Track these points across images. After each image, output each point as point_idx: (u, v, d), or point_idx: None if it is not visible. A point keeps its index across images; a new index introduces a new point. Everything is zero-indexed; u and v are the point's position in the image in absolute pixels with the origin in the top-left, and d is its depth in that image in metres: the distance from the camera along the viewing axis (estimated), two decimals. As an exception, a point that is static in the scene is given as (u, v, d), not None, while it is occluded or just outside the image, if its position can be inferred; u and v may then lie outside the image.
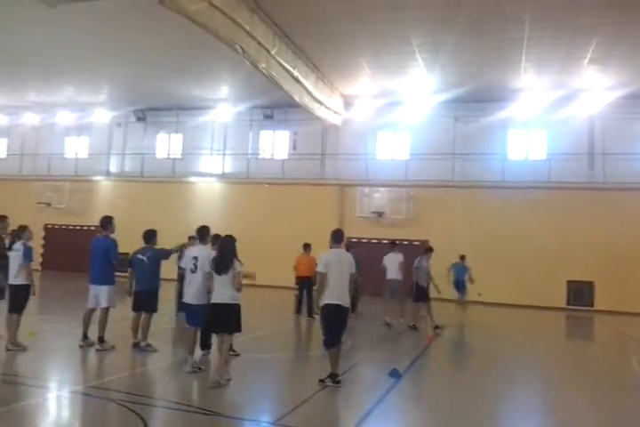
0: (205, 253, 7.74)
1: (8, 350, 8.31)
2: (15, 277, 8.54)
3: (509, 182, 19.98)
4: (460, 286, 16.43)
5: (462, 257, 16.71)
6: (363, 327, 12.67)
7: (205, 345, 8.63)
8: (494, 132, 20.73)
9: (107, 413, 6.03)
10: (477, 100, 20.11)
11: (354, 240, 19.48)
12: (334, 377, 7.22)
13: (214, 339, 7.80)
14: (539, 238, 19.47)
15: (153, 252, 9.14)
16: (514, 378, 8.49)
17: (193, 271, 7.77)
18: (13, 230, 9.00)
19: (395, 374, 7.81)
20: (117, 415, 5.88)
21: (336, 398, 6.98)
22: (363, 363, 9.03)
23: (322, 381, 7.21)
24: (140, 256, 9.07)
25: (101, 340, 8.77)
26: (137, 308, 9.09)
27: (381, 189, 21.65)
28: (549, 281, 19.18)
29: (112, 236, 9.11)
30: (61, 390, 6.74)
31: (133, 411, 5.75)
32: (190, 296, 7.76)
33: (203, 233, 8.20)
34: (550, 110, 19.86)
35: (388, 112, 21.52)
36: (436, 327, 12.72)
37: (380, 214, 21.31)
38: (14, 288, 8.55)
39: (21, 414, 5.69)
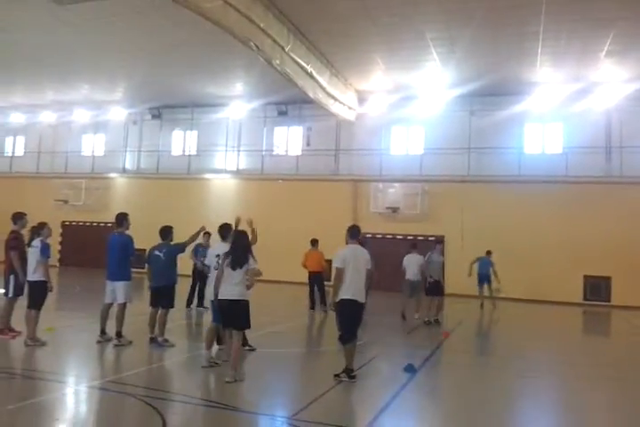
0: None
1: (27, 345, 8.44)
2: (33, 273, 8.69)
3: (525, 177, 19.85)
4: (484, 280, 16.45)
5: (489, 252, 16.80)
6: (378, 322, 12.68)
7: (221, 340, 8.70)
8: (510, 126, 20.56)
9: (124, 407, 6.11)
10: (493, 93, 19.96)
11: (367, 236, 19.48)
12: (349, 372, 7.24)
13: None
14: (555, 233, 19.32)
15: (169, 248, 9.21)
16: (529, 374, 8.44)
17: (217, 269, 7.69)
18: (33, 227, 9.14)
19: (410, 369, 7.83)
20: (135, 410, 5.94)
21: (352, 393, 7.00)
22: (378, 358, 9.03)
23: (337, 376, 7.24)
24: (156, 252, 9.17)
25: (119, 335, 8.85)
26: (154, 303, 9.19)
27: (396, 184, 21.57)
28: (566, 276, 19.04)
29: (127, 232, 9.19)
30: (80, 384, 6.83)
31: (151, 405, 5.82)
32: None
33: (225, 231, 8.27)
34: (567, 104, 19.67)
35: (402, 107, 21.43)
36: (428, 322, 12.84)
37: (394, 210, 21.27)
38: (32, 284, 8.70)
39: (41, 409, 5.77)
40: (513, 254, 19.37)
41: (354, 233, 7.61)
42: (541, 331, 13.51)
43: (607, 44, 15.34)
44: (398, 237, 20.86)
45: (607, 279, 19.02)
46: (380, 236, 21.25)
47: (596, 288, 19.13)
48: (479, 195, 20.33)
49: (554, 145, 20.44)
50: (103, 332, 9.04)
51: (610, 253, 18.73)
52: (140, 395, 6.19)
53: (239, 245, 7.26)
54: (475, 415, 6.25)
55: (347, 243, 7.61)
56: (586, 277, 19.20)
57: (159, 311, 9.10)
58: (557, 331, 13.90)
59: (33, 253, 8.72)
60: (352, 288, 7.21)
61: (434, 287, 13.05)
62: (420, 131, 21.91)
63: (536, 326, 14.57)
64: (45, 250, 8.69)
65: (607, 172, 19.35)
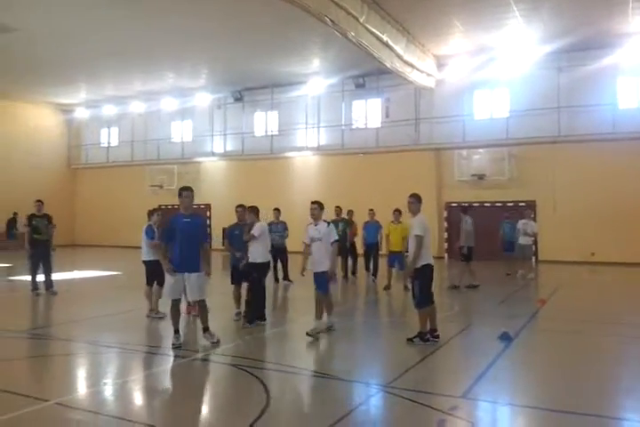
0: (327, 228, 8.22)
1: (148, 316, 9.37)
2: (144, 254, 9.56)
3: (621, 133, 18.62)
4: (509, 246, 15.56)
5: (507, 216, 16.08)
6: (471, 291, 12.57)
7: (261, 317, 8.95)
8: (602, 81, 19.31)
9: (228, 377, 6.46)
10: (582, 48, 18.78)
11: (453, 205, 19.26)
12: (423, 335, 7.51)
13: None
14: (657, 192, 18.11)
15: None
16: (630, 340, 8.10)
17: (314, 241, 8.35)
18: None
19: (506, 337, 7.72)
20: (238, 379, 6.25)
21: (446, 362, 7.05)
22: (472, 327, 8.98)
23: (410, 340, 7.50)
24: (236, 232, 9.33)
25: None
26: (235, 280, 9.44)
27: (480, 150, 20.98)
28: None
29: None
30: (187, 357, 7.22)
31: (253, 374, 6.15)
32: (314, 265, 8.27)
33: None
34: (664, 52, 18.18)
35: (484, 69, 20.63)
36: (454, 287, 12.92)
37: (480, 177, 20.71)
38: (145, 263, 9.58)
39: (154, 380, 6.24)
40: (611, 217, 18.45)
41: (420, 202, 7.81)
42: (644, 295, 12.85)
43: None
44: (486, 204, 20.36)
45: None
46: (466, 204, 20.76)
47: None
48: (571, 156, 19.37)
49: (651, 98, 19.05)
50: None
51: None
52: (241, 365, 6.54)
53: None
54: (574, 384, 6.07)
55: (415, 213, 7.75)
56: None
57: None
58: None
59: (143, 237, 9.57)
60: (429, 254, 7.60)
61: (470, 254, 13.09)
62: (504, 93, 21.06)
63: (636, 289, 13.86)
64: (149, 232, 9.46)
65: None
